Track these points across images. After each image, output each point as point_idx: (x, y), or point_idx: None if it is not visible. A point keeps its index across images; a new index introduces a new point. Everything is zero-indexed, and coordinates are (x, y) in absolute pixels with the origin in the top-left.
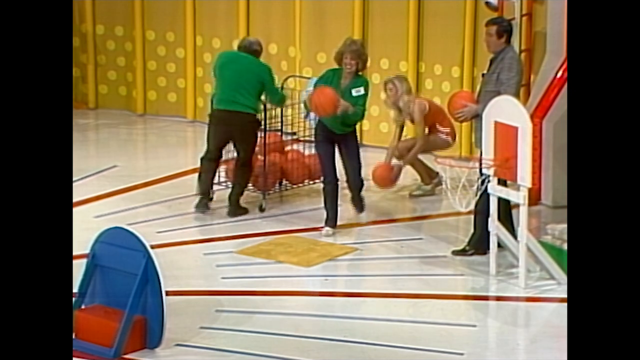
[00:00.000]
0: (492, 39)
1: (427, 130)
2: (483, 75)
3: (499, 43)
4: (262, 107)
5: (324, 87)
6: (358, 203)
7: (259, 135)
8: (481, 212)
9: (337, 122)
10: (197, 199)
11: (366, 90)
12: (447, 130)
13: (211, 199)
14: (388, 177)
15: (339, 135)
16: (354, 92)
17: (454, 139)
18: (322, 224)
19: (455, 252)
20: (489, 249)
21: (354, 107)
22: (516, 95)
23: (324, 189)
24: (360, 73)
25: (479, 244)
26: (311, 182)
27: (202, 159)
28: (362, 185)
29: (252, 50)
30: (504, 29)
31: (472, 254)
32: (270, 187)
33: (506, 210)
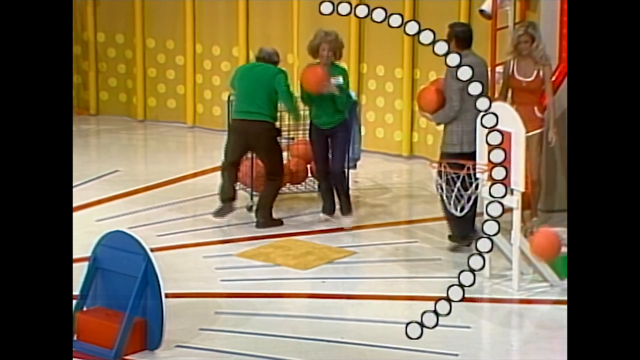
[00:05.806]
0: (451, 43)
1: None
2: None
3: (452, 46)
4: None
5: (315, 66)
6: (343, 203)
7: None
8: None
9: (324, 113)
10: (218, 206)
11: (345, 79)
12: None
13: (251, 208)
14: None
15: (329, 130)
16: (333, 81)
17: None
18: (321, 227)
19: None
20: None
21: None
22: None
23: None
24: (336, 62)
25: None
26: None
27: (222, 167)
28: (344, 177)
29: (272, 61)
30: (453, 34)
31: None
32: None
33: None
